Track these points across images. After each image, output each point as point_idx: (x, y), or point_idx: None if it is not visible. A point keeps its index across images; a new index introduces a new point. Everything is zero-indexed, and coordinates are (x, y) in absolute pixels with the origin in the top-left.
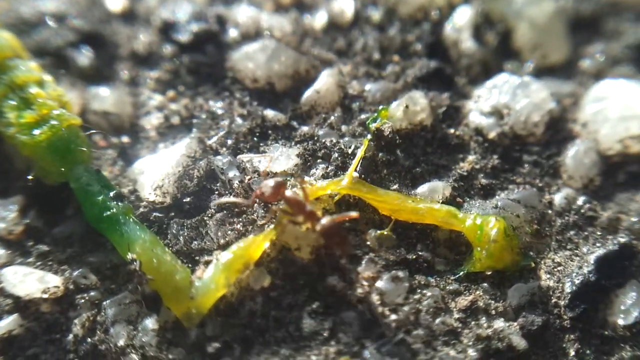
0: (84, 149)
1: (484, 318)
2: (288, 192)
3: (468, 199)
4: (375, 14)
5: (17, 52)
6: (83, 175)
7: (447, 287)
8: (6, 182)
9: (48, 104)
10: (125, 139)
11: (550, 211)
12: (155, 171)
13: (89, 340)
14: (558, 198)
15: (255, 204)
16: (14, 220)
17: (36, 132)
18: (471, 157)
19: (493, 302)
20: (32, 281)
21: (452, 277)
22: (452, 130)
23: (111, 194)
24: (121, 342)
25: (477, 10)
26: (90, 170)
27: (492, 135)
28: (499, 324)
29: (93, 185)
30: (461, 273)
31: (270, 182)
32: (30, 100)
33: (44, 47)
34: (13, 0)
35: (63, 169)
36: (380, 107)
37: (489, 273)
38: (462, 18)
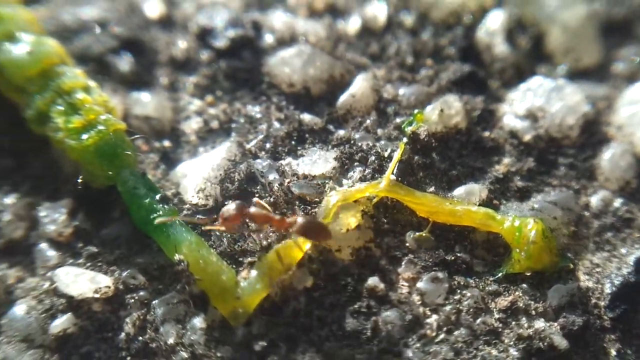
0: (130, 153)
1: (524, 318)
2: (251, 209)
3: (504, 201)
4: (408, 19)
5: (62, 59)
6: (130, 178)
7: (487, 288)
8: (55, 186)
9: (95, 109)
10: (166, 143)
11: (587, 213)
12: (197, 174)
13: (140, 338)
14: (594, 200)
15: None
16: (64, 222)
17: (84, 136)
18: (506, 160)
19: (533, 302)
20: (84, 281)
21: (491, 278)
22: (486, 133)
23: (157, 196)
24: (171, 341)
25: (510, 14)
26: (136, 174)
27: (527, 138)
28: (540, 324)
29: (139, 188)
30: (500, 274)
31: (232, 206)
32: (77, 105)
33: (85, 53)
34: (55, 8)
35: (110, 173)
36: (416, 110)
37: (528, 274)
38: (494, 22)
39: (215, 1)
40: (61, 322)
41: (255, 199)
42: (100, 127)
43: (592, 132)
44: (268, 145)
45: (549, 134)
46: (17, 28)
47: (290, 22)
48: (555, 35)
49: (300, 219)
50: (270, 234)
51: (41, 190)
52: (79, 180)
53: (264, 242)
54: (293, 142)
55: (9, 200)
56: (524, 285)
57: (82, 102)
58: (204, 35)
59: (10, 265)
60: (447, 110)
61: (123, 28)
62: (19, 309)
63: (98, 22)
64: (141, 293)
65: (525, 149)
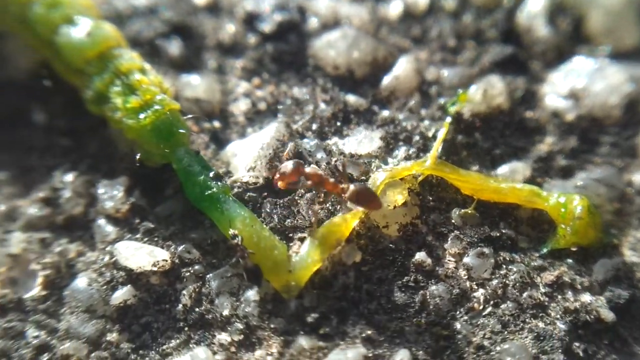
0: (185, 132)
1: (570, 292)
2: (307, 169)
3: (548, 179)
4: (449, 2)
5: (119, 42)
6: (185, 156)
7: (532, 263)
8: (111, 164)
9: (151, 89)
10: (216, 124)
11: (630, 190)
12: (247, 154)
13: (196, 310)
14: (637, 178)
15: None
16: (121, 199)
17: (141, 116)
18: (549, 139)
19: (578, 277)
20: (142, 255)
21: (536, 254)
22: (529, 113)
23: (211, 174)
24: (226, 312)
25: None
26: (190, 152)
27: (569, 117)
28: (586, 297)
29: (194, 166)
30: (545, 250)
31: (289, 163)
32: (134, 86)
33: (137, 37)
34: None
35: (166, 151)
36: (459, 91)
37: (573, 250)
38: (535, 5)
39: None
40: (121, 294)
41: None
42: (157, 107)
43: (635, 112)
44: (315, 126)
45: (591, 114)
46: (76, 12)
47: (333, 6)
48: (596, 17)
49: (353, 185)
50: (319, 210)
51: (98, 169)
52: (137, 158)
53: (313, 219)
54: (339, 123)
55: (69, 178)
56: (569, 260)
57: (139, 82)
58: (251, 20)
59: (70, 240)
60: (490, 91)
61: (172, 13)
62: (81, 282)
63: (149, 7)
64: (196, 267)
65: (568, 128)
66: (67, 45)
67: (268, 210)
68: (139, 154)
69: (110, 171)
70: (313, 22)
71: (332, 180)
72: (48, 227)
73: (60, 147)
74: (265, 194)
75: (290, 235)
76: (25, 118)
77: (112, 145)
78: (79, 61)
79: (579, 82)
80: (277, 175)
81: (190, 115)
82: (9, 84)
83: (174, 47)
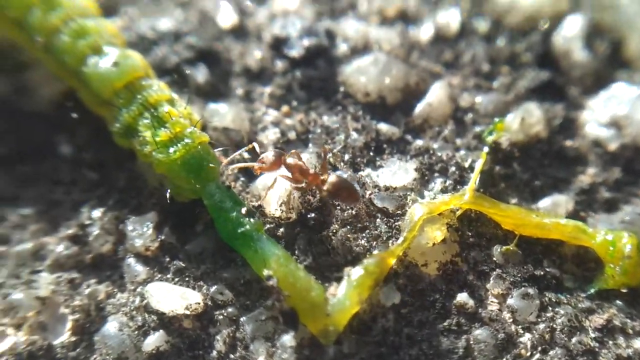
0: (215, 166)
1: (621, 337)
2: (289, 159)
3: (592, 213)
4: (482, 25)
5: (147, 72)
6: (216, 192)
7: (579, 305)
8: (140, 199)
9: (181, 122)
10: (245, 155)
11: None
12: (279, 187)
13: (231, 356)
14: None
15: (378, 220)
16: (151, 236)
17: (171, 150)
18: (591, 170)
19: (629, 321)
20: (175, 297)
21: (583, 295)
22: (569, 142)
23: (243, 210)
24: (261, 359)
25: (588, 20)
26: (222, 187)
27: (612, 147)
28: (639, 344)
29: (226, 202)
30: (593, 290)
31: (270, 153)
32: (163, 118)
33: (162, 64)
34: (131, 19)
35: (197, 186)
36: (496, 119)
37: (623, 291)
38: (572, 28)
39: (287, 10)
40: (154, 340)
41: (293, 151)
42: (187, 140)
43: None
44: (347, 156)
45: (635, 143)
46: (104, 41)
47: (363, 30)
48: (636, 41)
49: (332, 177)
50: (355, 248)
51: (127, 204)
52: (168, 194)
53: (349, 256)
54: (371, 153)
55: (97, 214)
56: (619, 302)
57: (168, 115)
58: (279, 45)
59: (99, 281)
60: (528, 119)
61: (197, 38)
62: (112, 326)
63: (173, 32)
64: (229, 309)
65: (610, 159)
66: (94, 75)
67: (302, 247)
68: (169, 189)
69: (139, 206)
70: (342, 47)
71: (312, 172)
72: (76, 267)
73: (87, 180)
74: (299, 229)
75: (326, 274)
76: (51, 150)
77: (141, 179)
78: (106, 92)
79: (621, 110)
80: (257, 165)
81: (221, 149)
82: (34, 115)
83: (200, 74)
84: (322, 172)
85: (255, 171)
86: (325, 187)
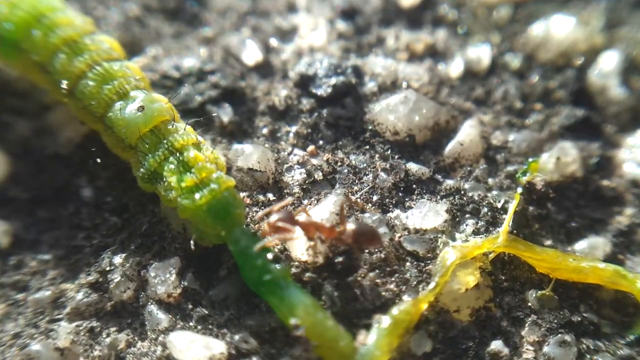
0: (241, 211)
1: None
2: (300, 217)
3: (630, 256)
4: (514, 61)
5: (172, 115)
6: (242, 237)
7: (619, 352)
8: (163, 243)
9: (207, 167)
10: (270, 196)
11: None
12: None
13: None
14: None
15: (408, 264)
16: (174, 283)
17: (197, 196)
18: (629, 210)
19: None
20: (198, 347)
21: (622, 341)
22: (605, 182)
23: (269, 256)
24: None
25: (624, 55)
26: (247, 233)
27: None
28: None
29: (251, 247)
30: (632, 337)
31: (281, 214)
32: (189, 163)
33: (186, 104)
34: (154, 57)
35: (223, 232)
36: (530, 159)
37: None
38: (608, 63)
39: (313, 47)
40: None
41: (301, 207)
42: (213, 186)
43: None
44: (375, 198)
45: None
46: (129, 85)
47: (391, 67)
48: None
49: (350, 225)
50: (384, 293)
51: (149, 249)
52: (193, 240)
53: (377, 302)
54: (400, 194)
55: (118, 259)
56: None
57: (194, 160)
58: (305, 83)
59: (119, 329)
60: (563, 158)
61: (222, 77)
62: None
63: (197, 71)
64: (254, 359)
65: None
66: (119, 121)
67: (329, 292)
68: (193, 235)
69: (161, 251)
70: (370, 85)
71: (327, 225)
72: (96, 315)
73: (108, 225)
74: (326, 274)
75: (355, 321)
76: (72, 194)
77: (164, 224)
78: (132, 137)
79: None
80: (266, 227)
81: (245, 194)
82: (55, 157)
83: (225, 114)
84: (341, 223)
85: (263, 233)
86: (345, 238)
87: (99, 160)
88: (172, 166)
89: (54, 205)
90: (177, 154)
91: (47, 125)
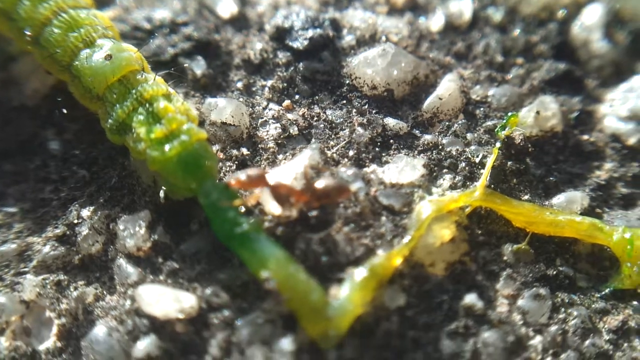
0: (213, 164)
1: (637, 339)
2: (271, 181)
3: (607, 210)
4: (496, 14)
5: (142, 65)
6: (213, 190)
7: (593, 306)
8: (132, 197)
9: (177, 118)
10: (244, 151)
11: None
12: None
13: None
14: None
15: (383, 218)
16: (143, 236)
17: (167, 147)
18: (608, 165)
19: None
20: (167, 301)
21: (597, 295)
22: (585, 137)
23: (241, 209)
24: None
25: (608, 8)
26: (219, 186)
27: (631, 141)
28: None
29: (223, 200)
30: (608, 290)
31: (253, 170)
32: (159, 114)
33: (158, 57)
34: (125, 9)
35: (193, 185)
36: (510, 113)
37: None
38: (591, 17)
39: (290, 0)
40: (144, 345)
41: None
42: (184, 137)
43: None
44: (351, 152)
45: None
46: (96, 33)
47: (370, 20)
48: None
49: (319, 183)
50: (358, 247)
51: (118, 202)
52: (162, 193)
53: (351, 257)
54: (377, 149)
55: (86, 212)
56: (635, 302)
57: (164, 111)
58: (281, 36)
59: (87, 283)
60: (543, 112)
61: (195, 29)
62: (100, 330)
63: (169, 22)
64: (225, 313)
65: (629, 153)
66: (86, 70)
67: (302, 247)
68: (163, 188)
69: (131, 205)
70: (348, 38)
71: (298, 189)
72: (63, 268)
73: (76, 178)
74: (299, 228)
75: (328, 275)
76: (39, 146)
77: (133, 177)
78: (99, 87)
79: None
80: (235, 180)
81: (217, 145)
82: (21, 109)
83: (198, 67)
84: (307, 189)
85: (230, 184)
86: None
87: (66, 111)
88: (141, 117)
89: (20, 158)
90: (147, 105)
91: (13, 77)
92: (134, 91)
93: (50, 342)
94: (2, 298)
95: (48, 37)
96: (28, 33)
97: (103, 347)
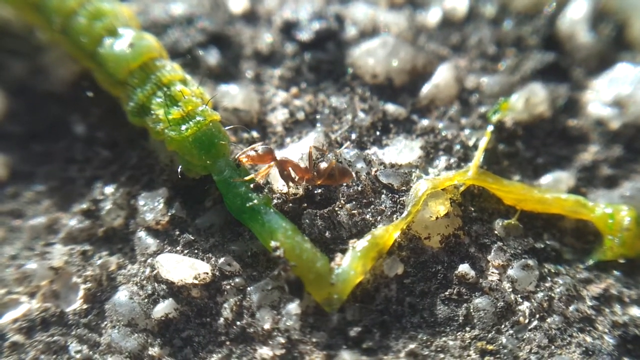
0: (226, 143)
1: (618, 305)
2: (279, 156)
3: (592, 189)
4: (489, 9)
5: (161, 53)
6: (225, 168)
7: (578, 276)
8: (151, 176)
9: (193, 101)
10: (254, 134)
11: None
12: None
13: (237, 323)
14: None
15: (383, 195)
16: (162, 211)
17: (183, 127)
18: (593, 148)
19: (626, 290)
20: (184, 268)
21: (581, 266)
22: (572, 122)
23: (251, 185)
24: (267, 326)
25: (593, 3)
26: (231, 164)
27: (614, 125)
28: (635, 311)
29: (235, 177)
30: (591, 261)
31: (261, 147)
32: (176, 97)
33: (175, 47)
34: (145, 4)
35: (207, 163)
36: (501, 99)
37: (621, 262)
38: (577, 11)
39: None
40: (163, 308)
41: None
42: (199, 118)
43: None
44: (353, 136)
45: (637, 122)
46: (118, 23)
47: (372, 14)
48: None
49: (323, 164)
50: (360, 222)
51: (139, 180)
52: (179, 170)
53: (353, 230)
54: (378, 132)
55: (109, 190)
56: (616, 272)
57: (180, 94)
58: (289, 29)
59: (111, 253)
60: (532, 99)
61: (209, 23)
62: (122, 295)
63: (186, 17)
64: (237, 280)
65: (612, 137)
66: (109, 56)
67: (308, 221)
68: (180, 166)
69: (150, 183)
70: (351, 31)
71: (302, 166)
72: (88, 240)
73: (100, 158)
74: (305, 205)
75: (332, 247)
76: (65, 129)
77: (152, 157)
78: (121, 73)
79: (624, 90)
80: (245, 155)
81: (232, 126)
82: (49, 95)
83: (212, 57)
84: (309, 169)
85: (239, 160)
86: (320, 176)
87: (90, 95)
88: (159, 100)
89: (48, 140)
90: (165, 89)
91: (42, 65)
92: (153, 76)
93: (77, 304)
94: (34, 264)
95: (74, 26)
96: (55, 21)
97: (125, 309)
